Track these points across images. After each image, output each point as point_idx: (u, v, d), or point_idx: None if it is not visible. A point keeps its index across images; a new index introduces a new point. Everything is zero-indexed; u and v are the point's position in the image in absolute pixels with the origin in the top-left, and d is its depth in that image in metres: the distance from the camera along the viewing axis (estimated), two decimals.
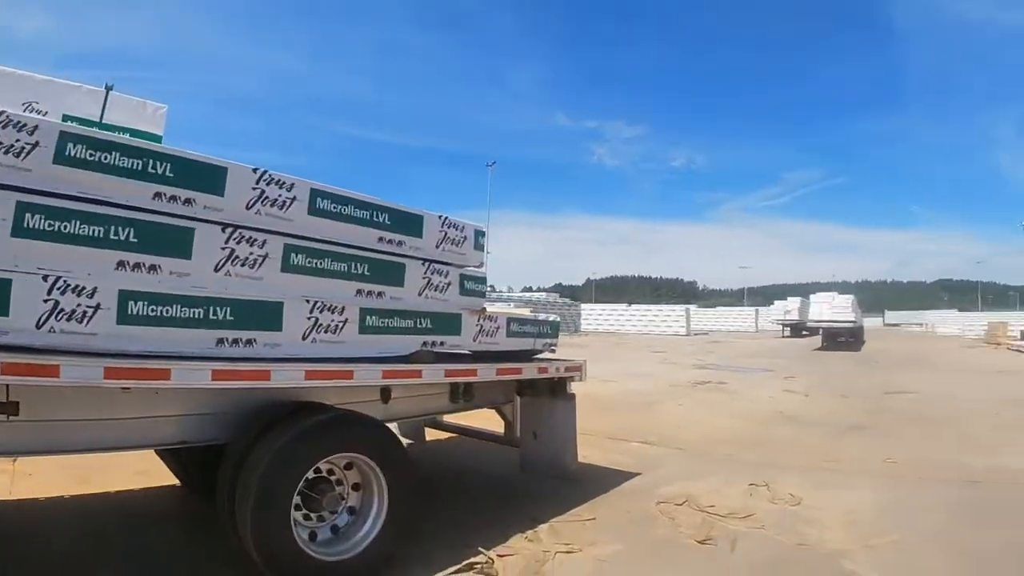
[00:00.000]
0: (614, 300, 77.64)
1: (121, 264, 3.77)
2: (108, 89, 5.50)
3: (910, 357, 29.65)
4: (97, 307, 3.53)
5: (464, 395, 6.02)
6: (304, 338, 4.37)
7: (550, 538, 5.31)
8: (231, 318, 4.01)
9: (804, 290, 45.96)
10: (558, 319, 7.06)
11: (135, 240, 3.79)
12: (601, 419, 11.04)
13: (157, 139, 5.20)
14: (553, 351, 6.94)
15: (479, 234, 5.95)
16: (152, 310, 3.72)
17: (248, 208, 4.26)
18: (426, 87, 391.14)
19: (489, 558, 4.80)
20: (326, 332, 4.51)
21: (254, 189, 4.29)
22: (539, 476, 6.92)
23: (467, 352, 5.83)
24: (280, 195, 4.41)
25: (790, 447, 9.31)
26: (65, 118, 4.86)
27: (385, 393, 5.23)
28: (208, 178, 4.14)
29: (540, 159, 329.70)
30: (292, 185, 4.47)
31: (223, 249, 4.11)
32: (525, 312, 7.37)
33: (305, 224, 4.56)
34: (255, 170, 4.31)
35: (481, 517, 5.73)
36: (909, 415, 12.46)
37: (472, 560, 4.76)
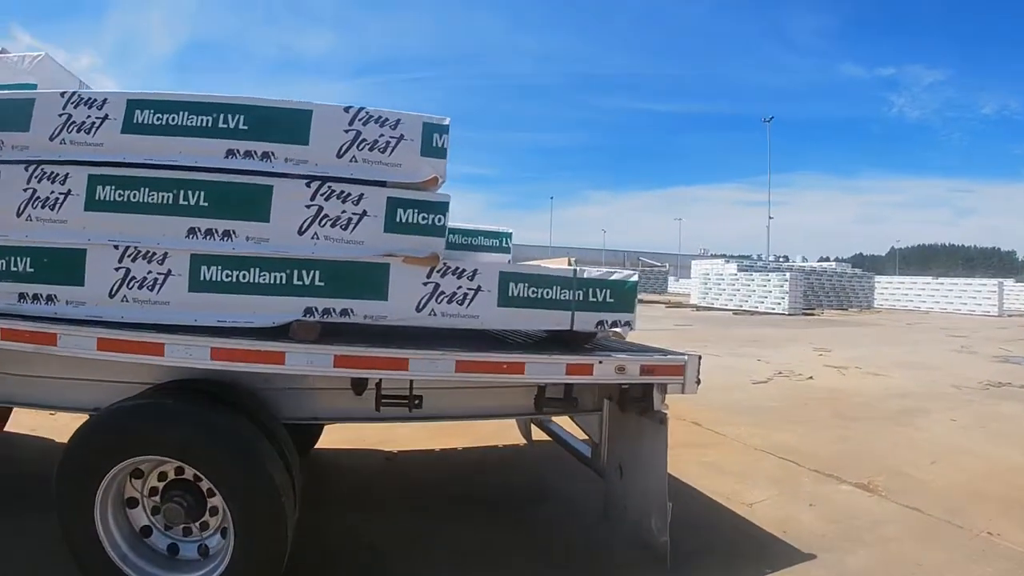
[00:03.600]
0: (920, 272, 70.51)
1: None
2: None
3: None
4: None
5: (407, 400, 3.92)
6: (112, 295, 3.54)
7: None
8: (31, 270, 3.52)
9: None
10: (635, 278, 4.25)
11: None
12: (826, 434, 8.05)
13: (32, 87, 4.47)
14: (621, 334, 4.29)
15: (432, 130, 3.82)
16: None
17: (51, 140, 3.63)
18: (697, 52, 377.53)
19: None
20: (141, 288, 3.54)
21: (60, 116, 3.63)
22: (628, 531, 4.57)
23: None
24: (88, 116, 3.62)
25: None
26: None
27: (359, 384, 3.83)
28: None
29: (832, 115, 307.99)
30: (104, 102, 3.64)
31: (24, 191, 3.57)
32: (556, 264, 4.50)
33: (119, 146, 3.64)
34: (63, 94, 3.69)
35: None
36: None
37: None
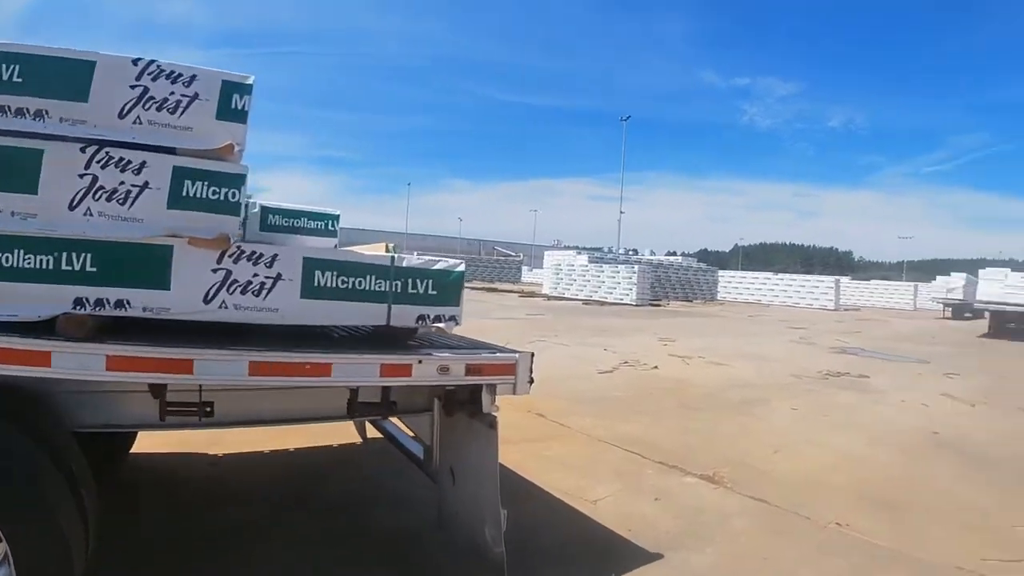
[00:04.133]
0: (762, 268, 73.95)
1: None
2: None
3: None
4: None
5: (196, 407, 3.35)
6: None
7: None
8: None
9: (969, 266, 41.35)
10: (461, 267, 3.79)
11: None
12: (671, 424, 7.95)
13: None
14: (442, 328, 4.00)
15: (232, 90, 3.25)
16: None
17: None
18: (571, 48, 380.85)
19: None
20: None
21: None
22: (463, 539, 4.17)
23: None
24: None
25: (946, 514, 5.63)
26: None
27: (158, 387, 3.20)
28: None
29: (688, 119, 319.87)
30: None
31: None
32: (372, 250, 4.09)
33: None
34: None
35: None
36: None
37: None
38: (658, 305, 36.60)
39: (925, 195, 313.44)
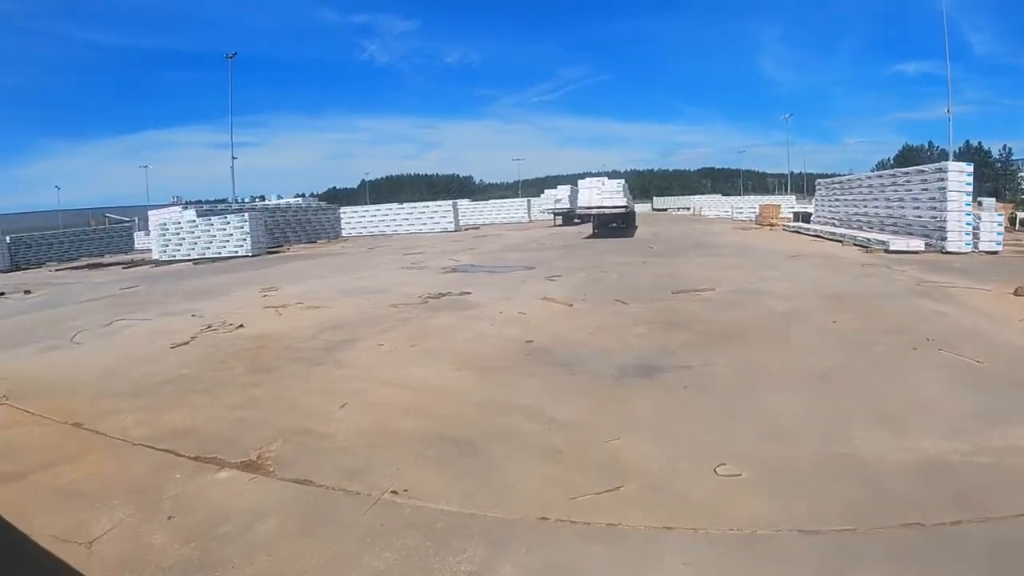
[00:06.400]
0: (390, 200, 74.68)
1: None
2: None
3: (688, 241, 26.76)
4: None
5: None
6: None
7: None
8: None
9: (574, 180, 45.23)
10: None
11: None
12: (230, 399, 6.48)
13: None
14: None
15: None
16: None
17: None
18: None
19: None
20: None
21: None
22: None
23: None
24: None
25: (528, 444, 4.98)
26: None
27: None
28: None
29: (306, 58, 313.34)
30: None
31: None
32: None
33: None
34: None
35: None
36: (718, 331, 8.49)
37: None
38: (277, 252, 34.67)
39: (535, 122, 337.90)
